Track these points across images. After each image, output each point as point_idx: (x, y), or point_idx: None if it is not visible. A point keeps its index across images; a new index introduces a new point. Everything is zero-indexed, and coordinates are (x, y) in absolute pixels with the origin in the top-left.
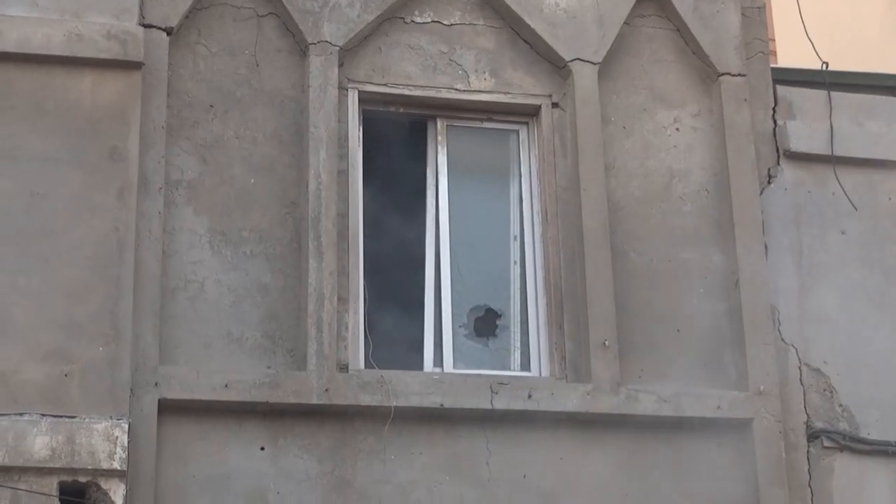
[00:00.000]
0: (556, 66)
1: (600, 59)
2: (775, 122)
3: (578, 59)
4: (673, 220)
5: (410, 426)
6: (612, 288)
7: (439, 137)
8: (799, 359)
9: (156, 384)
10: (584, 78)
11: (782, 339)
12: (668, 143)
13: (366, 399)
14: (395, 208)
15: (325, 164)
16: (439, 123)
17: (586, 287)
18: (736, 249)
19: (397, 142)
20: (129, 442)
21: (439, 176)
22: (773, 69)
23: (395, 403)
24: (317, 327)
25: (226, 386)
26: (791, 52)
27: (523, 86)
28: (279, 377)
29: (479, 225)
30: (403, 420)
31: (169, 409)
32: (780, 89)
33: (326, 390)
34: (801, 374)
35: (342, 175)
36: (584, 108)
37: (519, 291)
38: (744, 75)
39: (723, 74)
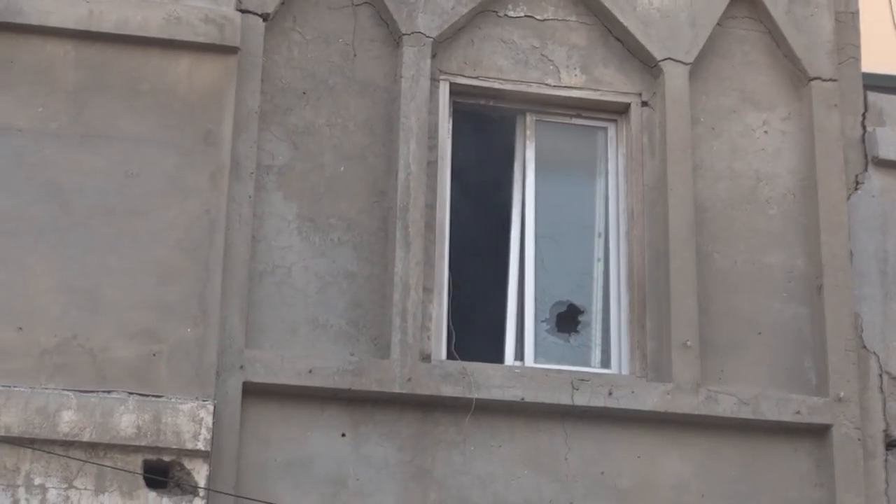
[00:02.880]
0: (647, 65)
1: (692, 60)
2: (864, 128)
3: (670, 58)
4: (758, 223)
5: (491, 418)
6: (696, 288)
7: (528, 132)
8: (880, 366)
9: (241, 367)
10: (675, 77)
11: (864, 346)
12: (756, 146)
13: (447, 390)
14: (481, 201)
15: (415, 154)
16: (528, 118)
17: (670, 287)
18: (821, 254)
19: (486, 135)
20: (213, 423)
21: (526, 170)
22: (864, 75)
23: (476, 395)
24: (401, 317)
25: (310, 371)
26: (880, 58)
27: (613, 83)
28: (362, 365)
29: (564, 220)
30: (484, 412)
31: (253, 392)
32: (871, 95)
33: (409, 380)
34: (881, 382)
35: (431, 166)
36: (673, 108)
37: (602, 288)
38: (835, 80)
39: (814, 79)
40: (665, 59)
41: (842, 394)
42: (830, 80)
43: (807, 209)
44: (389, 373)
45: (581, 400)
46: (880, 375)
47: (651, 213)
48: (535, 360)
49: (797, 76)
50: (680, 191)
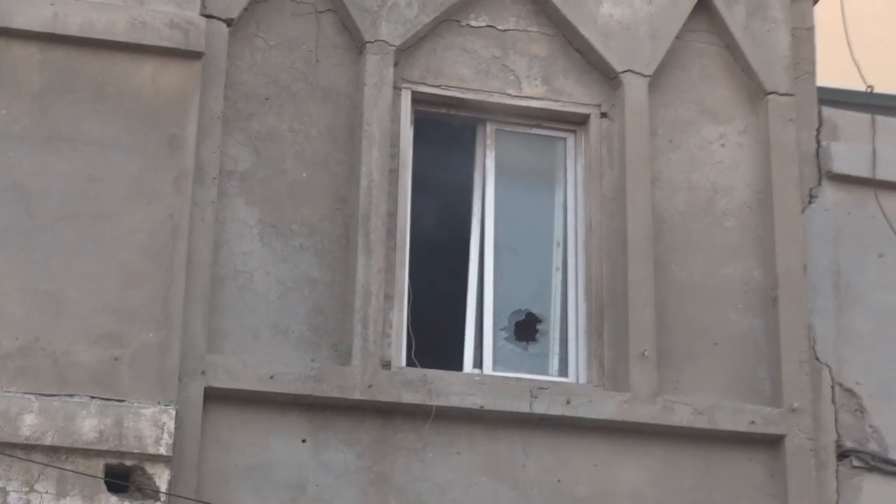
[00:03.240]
0: (607, 77)
1: (651, 72)
2: (819, 142)
3: (630, 70)
4: (715, 235)
5: (450, 426)
6: (653, 299)
7: (488, 141)
8: (832, 378)
9: (203, 372)
10: (635, 89)
11: (817, 358)
12: (713, 158)
13: (407, 397)
14: (442, 209)
15: (377, 162)
16: (489, 127)
17: (628, 297)
18: (776, 267)
19: (447, 143)
20: (174, 428)
21: (486, 179)
22: (819, 89)
23: (436, 403)
24: (362, 323)
25: (271, 377)
26: (834, 74)
27: (574, 94)
28: (323, 371)
29: (523, 230)
30: (443, 419)
31: (215, 397)
32: (825, 110)
33: (369, 386)
34: (833, 394)
35: (393, 174)
36: (632, 120)
37: (560, 298)
38: (791, 95)
39: (770, 93)
40: (625, 72)
41: (795, 404)
42: (786, 94)
43: (763, 222)
44: (350, 379)
45: (539, 408)
46: (832, 387)
47: (609, 224)
48: (494, 368)
49: (754, 90)
50: (638, 202)
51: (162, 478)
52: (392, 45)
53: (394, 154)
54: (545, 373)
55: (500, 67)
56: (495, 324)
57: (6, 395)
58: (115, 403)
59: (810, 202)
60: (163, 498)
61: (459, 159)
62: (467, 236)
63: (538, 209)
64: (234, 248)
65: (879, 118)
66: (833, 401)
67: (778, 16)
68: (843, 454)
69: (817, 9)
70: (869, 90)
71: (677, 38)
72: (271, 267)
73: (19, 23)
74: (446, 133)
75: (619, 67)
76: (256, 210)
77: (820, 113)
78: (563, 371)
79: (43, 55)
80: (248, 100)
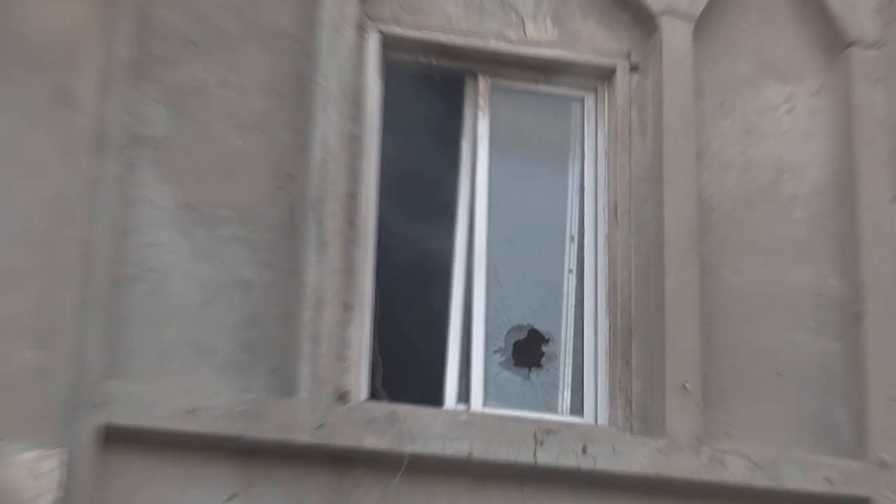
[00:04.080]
0: (640, 19)
1: (697, 14)
2: None
3: (669, 11)
4: (779, 230)
5: (427, 480)
6: (698, 314)
7: (481, 101)
8: None
9: (100, 404)
10: (675, 36)
11: None
12: (777, 128)
13: (371, 441)
14: (419, 190)
15: (335, 126)
16: (482, 82)
17: (664, 310)
18: (859, 273)
19: (427, 103)
20: (63, 479)
21: (478, 151)
22: None
23: (409, 449)
24: (312, 341)
25: (190, 412)
26: None
27: (595, 40)
28: (259, 405)
29: (526, 219)
30: (418, 471)
31: (115, 437)
32: None
33: (321, 426)
34: None
35: (355, 142)
36: (672, 75)
37: (574, 310)
38: (881, 46)
39: (852, 44)
40: (663, 13)
41: (885, 457)
42: (875, 45)
43: (841, 213)
44: (295, 416)
45: (546, 458)
46: None
47: (640, 213)
48: (486, 404)
49: (831, 40)
50: (679, 184)
51: None
52: None
53: (356, 116)
54: (554, 411)
55: (499, 4)
56: (487, 344)
57: None
58: None
59: None
60: None
61: (443, 125)
62: (452, 227)
63: (546, 192)
64: (143, 238)
65: None
66: None
67: None
68: None
69: None
70: None
71: None
72: (192, 265)
73: None
74: (426, 89)
75: (655, 7)
76: (174, 188)
77: None
78: (578, 409)
79: None
80: (167, 43)
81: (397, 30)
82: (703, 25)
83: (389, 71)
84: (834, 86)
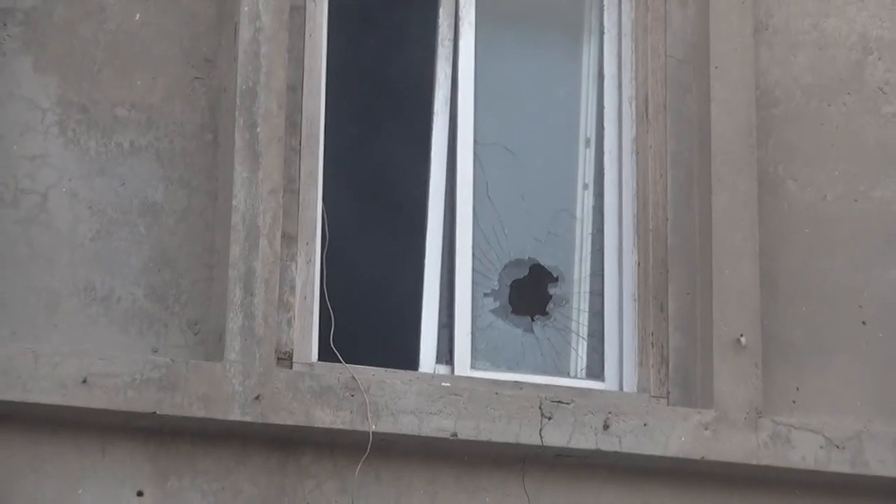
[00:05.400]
0: None
1: None
2: None
3: None
4: (865, 129)
5: (399, 467)
6: (756, 243)
7: None
8: None
9: None
10: None
11: None
12: None
13: (324, 416)
14: (383, 80)
15: None
16: None
17: (712, 239)
18: None
19: None
20: None
21: (460, 25)
22: None
23: (374, 428)
24: (243, 286)
25: (83, 381)
26: None
27: None
28: (175, 372)
29: (525, 118)
30: (387, 456)
31: None
32: None
33: (257, 398)
34: None
35: (296, 15)
36: None
37: (590, 239)
38: None
39: None
40: None
41: None
42: None
43: None
44: (223, 386)
45: (555, 438)
46: None
47: (679, 107)
48: (475, 366)
49: None
50: (731, 69)
51: None
52: None
53: None
54: (565, 373)
55: None
56: (476, 286)
57: None
58: None
59: None
60: None
61: None
62: (427, 130)
63: (552, 81)
64: (13, 147)
65: None
66: None
67: None
68: None
69: None
70: None
71: None
72: (80, 182)
73: None
74: None
75: None
76: (54, 80)
77: None
78: (597, 371)
79: None
80: None
81: None
82: None
83: None
84: None
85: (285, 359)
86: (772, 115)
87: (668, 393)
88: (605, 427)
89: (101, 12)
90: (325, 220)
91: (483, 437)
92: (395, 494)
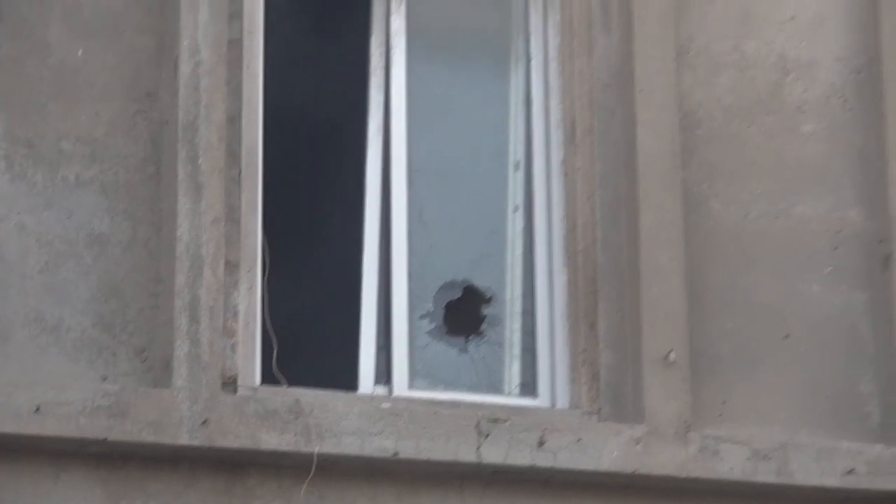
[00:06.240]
0: None
1: None
2: None
3: None
4: (785, 148)
5: (342, 486)
6: (683, 261)
7: None
8: None
9: None
10: None
11: None
12: (781, 13)
13: (269, 439)
14: (318, 109)
15: (207, 29)
16: None
17: (639, 258)
18: (888, 202)
19: None
20: None
21: (392, 53)
22: None
23: (317, 449)
24: (189, 314)
25: (36, 410)
26: None
27: None
28: (124, 399)
29: (456, 142)
30: (330, 476)
31: None
32: None
33: (204, 423)
34: None
35: (234, 48)
36: None
37: (521, 259)
38: None
39: None
40: None
41: None
42: None
43: (865, 124)
44: (171, 411)
45: (493, 455)
46: None
47: (605, 131)
48: (413, 386)
49: None
50: (655, 92)
51: None
52: None
53: (235, 14)
54: (499, 392)
55: None
56: (412, 308)
57: None
58: None
59: None
60: None
61: (346, 20)
62: (362, 157)
63: (481, 105)
64: None
65: None
66: None
67: None
68: None
69: None
70: None
71: None
72: (27, 216)
73: None
74: None
75: None
76: (0, 115)
77: None
78: (530, 389)
79: None
80: None
81: None
82: None
83: None
84: None
85: (230, 383)
86: (695, 136)
87: (600, 409)
88: (541, 443)
89: (45, 48)
90: (266, 248)
91: (423, 455)
92: None
